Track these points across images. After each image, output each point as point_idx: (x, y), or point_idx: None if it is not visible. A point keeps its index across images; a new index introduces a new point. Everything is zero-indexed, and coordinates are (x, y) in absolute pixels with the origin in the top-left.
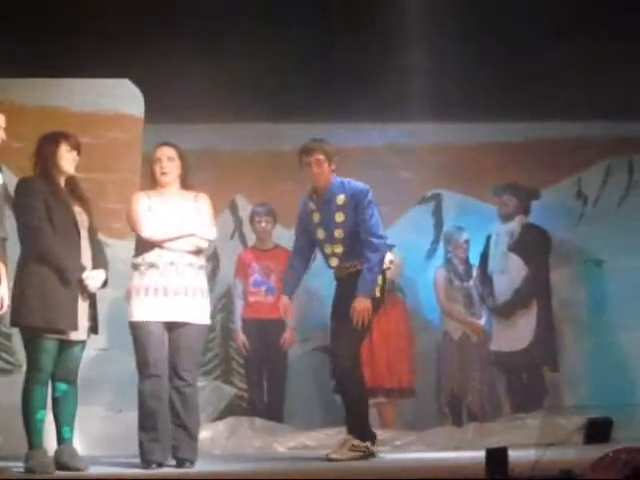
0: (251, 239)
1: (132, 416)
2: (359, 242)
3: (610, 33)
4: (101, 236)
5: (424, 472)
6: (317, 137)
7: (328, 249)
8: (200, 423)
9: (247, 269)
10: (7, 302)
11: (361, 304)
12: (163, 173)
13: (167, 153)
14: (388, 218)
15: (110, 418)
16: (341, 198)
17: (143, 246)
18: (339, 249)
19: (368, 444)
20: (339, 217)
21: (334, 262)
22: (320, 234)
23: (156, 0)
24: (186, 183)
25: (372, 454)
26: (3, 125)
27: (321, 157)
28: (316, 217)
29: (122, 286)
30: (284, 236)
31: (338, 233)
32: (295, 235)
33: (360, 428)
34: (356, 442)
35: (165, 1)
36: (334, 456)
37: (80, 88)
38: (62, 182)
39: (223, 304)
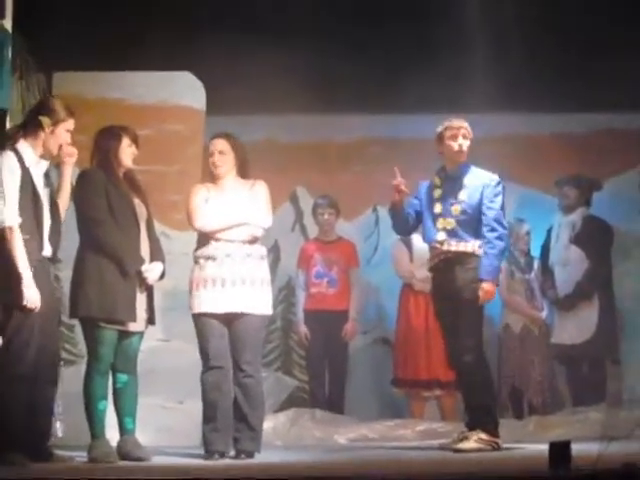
0: (312, 231)
1: (193, 406)
2: (471, 226)
3: None
4: (162, 227)
5: (486, 464)
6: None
7: (440, 223)
8: (264, 415)
9: (310, 260)
10: None
11: (487, 287)
12: (215, 166)
13: (219, 147)
14: None
15: (172, 409)
16: (470, 179)
17: (202, 239)
18: (451, 225)
19: (498, 440)
20: (462, 195)
21: (441, 236)
22: (437, 208)
23: None
24: (244, 172)
25: (499, 448)
26: (72, 128)
27: (466, 132)
28: (437, 193)
29: (182, 277)
30: (346, 228)
31: (455, 209)
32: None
33: (483, 421)
34: (484, 435)
35: None
36: (459, 446)
37: (141, 81)
38: (121, 175)
39: (284, 295)
